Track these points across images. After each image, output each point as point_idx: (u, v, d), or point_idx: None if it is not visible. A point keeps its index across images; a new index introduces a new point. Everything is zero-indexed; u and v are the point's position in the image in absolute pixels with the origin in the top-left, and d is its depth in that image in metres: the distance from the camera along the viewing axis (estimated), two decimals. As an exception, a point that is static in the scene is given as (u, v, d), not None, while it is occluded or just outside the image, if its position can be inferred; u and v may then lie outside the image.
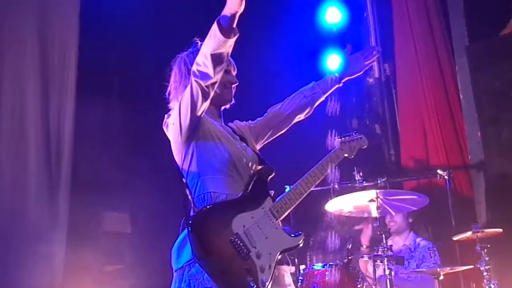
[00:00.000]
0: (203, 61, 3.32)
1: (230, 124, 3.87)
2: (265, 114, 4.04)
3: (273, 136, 4.06)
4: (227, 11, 3.21)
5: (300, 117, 4.05)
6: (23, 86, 6.18)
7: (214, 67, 3.30)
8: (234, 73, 3.79)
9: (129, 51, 7.08)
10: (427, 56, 8.15)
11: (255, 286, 3.20)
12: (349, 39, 8.62)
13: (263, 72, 7.72)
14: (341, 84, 4.06)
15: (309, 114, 4.07)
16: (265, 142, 4.04)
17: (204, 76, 3.34)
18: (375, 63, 8.48)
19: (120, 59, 7.05)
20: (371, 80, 8.77)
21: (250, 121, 4.01)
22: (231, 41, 3.27)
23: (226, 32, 3.22)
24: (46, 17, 6.41)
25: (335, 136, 4.14)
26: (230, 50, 3.32)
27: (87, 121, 6.64)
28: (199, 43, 3.64)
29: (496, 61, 7.22)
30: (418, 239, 6.78)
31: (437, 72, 8.09)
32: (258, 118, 4.04)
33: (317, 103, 4.05)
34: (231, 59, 3.68)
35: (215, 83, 3.40)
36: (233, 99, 3.81)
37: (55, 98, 6.39)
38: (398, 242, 6.69)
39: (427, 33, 8.22)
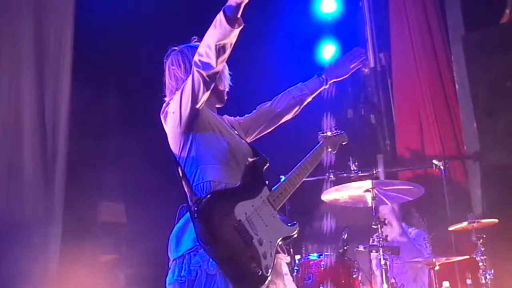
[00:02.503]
0: (205, 51, 3.31)
1: (222, 117, 3.87)
2: (254, 111, 4.07)
3: (261, 134, 4.09)
4: (232, 0, 3.20)
5: (288, 117, 4.09)
6: (18, 74, 6.16)
7: (217, 57, 3.29)
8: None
9: (125, 39, 7.05)
10: (423, 46, 8.14)
11: (260, 272, 3.24)
12: (345, 29, 8.63)
13: (258, 62, 7.69)
14: (327, 86, 4.10)
15: (296, 114, 4.12)
16: (252, 139, 4.06)
17: (206, 66, 3.34)
18: (370, 53, 8.59)
19: (116, 46, 7.02)
20: (366, 70, 8.75)
21: (238, 117, 4.03)
22: (236, 32, 3.27)
23: (231, 22, 3.21)
24: (42, 3, 6.38)
25: (318, 131, 4.31)
26: (234, 40, 3.32)
27: (82, 111, 6.62)
28: (196, 38, 3.69)
29: (492, 51, 7.22)
30: (409, 229, 6.78)
31: (433, 62, 8.08)
32: (247, 115, 4.06)
33: (305, 103, 4.09)
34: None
35: (217, 73, 3.40)
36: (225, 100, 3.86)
37: (50, 87, 6.37)
38: (390, 234, 6.68)
39: (423, 23, 8.20)
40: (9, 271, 5.72)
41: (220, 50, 3.28)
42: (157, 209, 6.18)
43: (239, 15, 3.24)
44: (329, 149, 4.19)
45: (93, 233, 6.81)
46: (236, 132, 3.79)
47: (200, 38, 3.42)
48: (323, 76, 4.07)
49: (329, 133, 4.28)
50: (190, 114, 3.45)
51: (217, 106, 3.82)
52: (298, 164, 3.85)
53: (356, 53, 4.15)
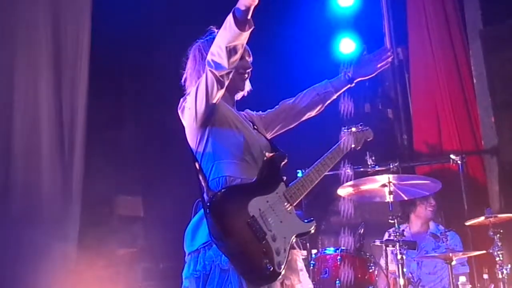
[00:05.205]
0: (217, 51, 3.31)
1: (241, 112, 3.87)
2: (277, 106, 4.05)
3: (282, 130, 4.07)
4: (242, 3, 3.18)
5: (311, 113, 4.06)
6: (36, 72, 6.18)
7: (229, 58, 3.29)
8: (249, 59, 3.78)
9: (141, 40, 7.08)
10: (441, 40, 8.11)
11: (272, 268, 3.23)
12: (362, 23, 8.60)
13: (276, 57, 7.69)
14: (353, 84, 4.05)
15: (320, 111, 4.08)
16: (273, 135, 4.04)
17: (218, 66, 3.34)
18: (387, 47, 8.56)
19: (132, 41, 7.05)
20: (384, 64, 8.72)
21: (260, 112, 4.02)
22: (246, 34, 3.26)
23: (241, 24, 3.21)
24: (59, 5, 6.42)
25: (342, 127, 4.24)
26: (245, 42, 3.31)
27: (99, 105, 6.65)
28: (216, 31, 3.62)
29: (510, 46, 7.18)
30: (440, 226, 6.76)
31: (451, 56, 8.05)
32: (269, 110, 4.04)
33: (329, 101, 4.05)
34: (246, 46, 3.61)
35: (229, 72, 3.40)
36: (245, 87, 3.81)
37: (68, 81, 6.40)
38: (421, 228, 6.69)
39: (440, 17, 8.17)
40: (27, 262, 5.77)
41: (231, 51, 3.28)
42: (174, 203, 6.21)
43: (249, 17, 3.22)
44: (353, 145, 4.14)
45: (110, 227, 6.85)
46: (255, 126, 3.78)
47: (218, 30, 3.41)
48: (349, 74, 4.03)
49: (353, 129, 4.22)
50: (205, 110, 3.45)
51: (237, 96, 3.81)
52: (318, 160, 3.81)
53: (383, 53, 4.10)
